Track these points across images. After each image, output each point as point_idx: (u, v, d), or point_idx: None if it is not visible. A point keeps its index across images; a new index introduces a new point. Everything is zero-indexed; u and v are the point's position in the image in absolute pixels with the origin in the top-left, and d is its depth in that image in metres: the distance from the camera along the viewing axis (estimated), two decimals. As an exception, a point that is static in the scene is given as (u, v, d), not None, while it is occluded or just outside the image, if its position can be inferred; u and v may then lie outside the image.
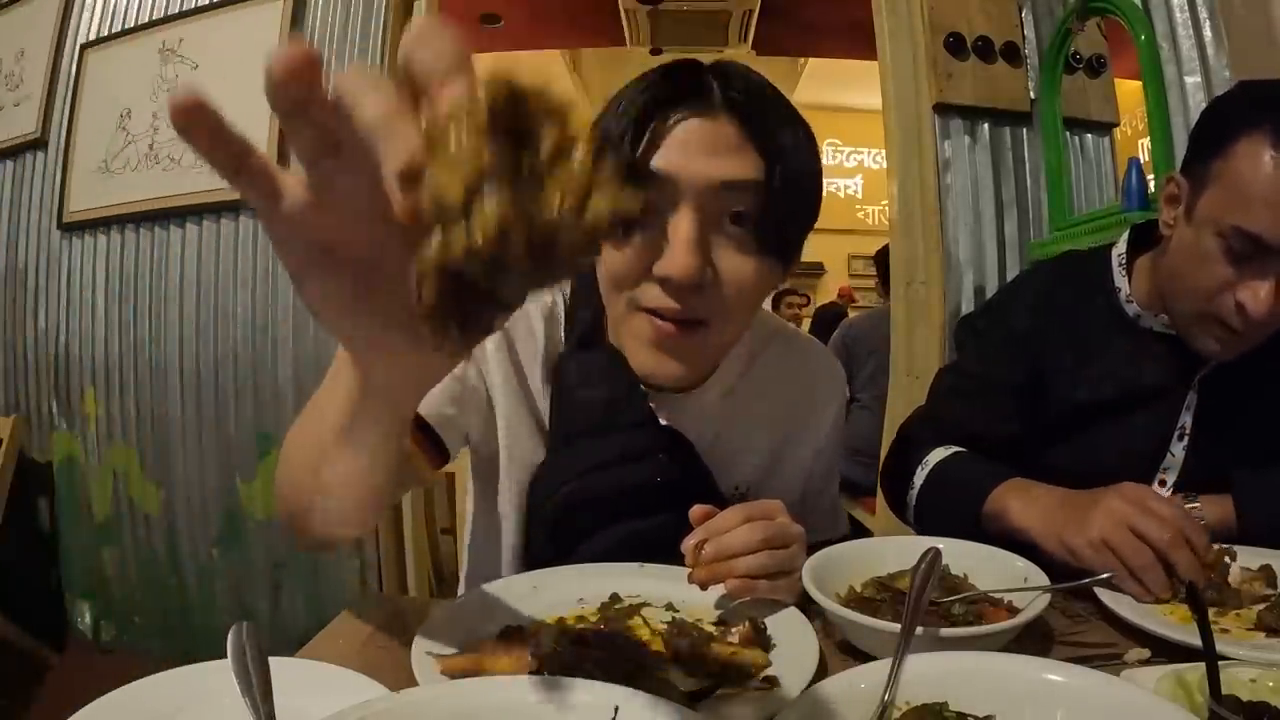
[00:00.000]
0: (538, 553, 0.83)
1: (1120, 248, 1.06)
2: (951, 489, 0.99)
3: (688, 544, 0.69)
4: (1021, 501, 0.88)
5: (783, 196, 0.72)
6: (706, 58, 0.77)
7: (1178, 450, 1.00)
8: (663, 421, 0.84)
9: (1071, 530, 0.78)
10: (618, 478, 0.82)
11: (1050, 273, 1.16)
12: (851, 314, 5.35)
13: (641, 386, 0.83)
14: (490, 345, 0.82)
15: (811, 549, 0.74)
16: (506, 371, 0.83)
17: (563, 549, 0.81)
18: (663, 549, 0.78)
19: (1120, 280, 1.03)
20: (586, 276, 0.84)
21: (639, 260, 0.72)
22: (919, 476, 1.03)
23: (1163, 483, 1.01)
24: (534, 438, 0.85)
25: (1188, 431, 1.00)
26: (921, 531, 1.02)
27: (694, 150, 0.70)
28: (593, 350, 0.83)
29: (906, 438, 1.12)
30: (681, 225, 0.70)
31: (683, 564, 0.70)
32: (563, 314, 0.86)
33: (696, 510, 0.71)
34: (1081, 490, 0.84)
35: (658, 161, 0.71)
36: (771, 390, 0.92)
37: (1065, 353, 1.04)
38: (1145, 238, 1.03)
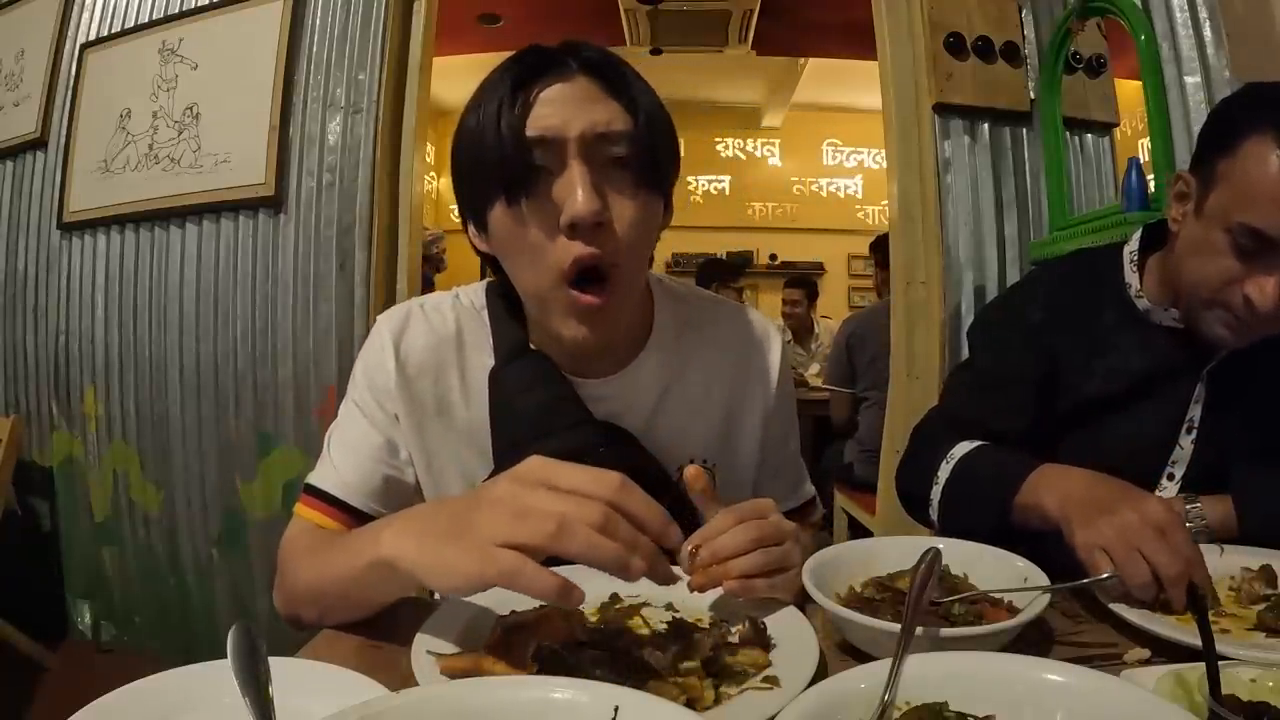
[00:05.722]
0: None
1: (1132, 245, 1.07)
2: (981, 479, 0.97)
3: (682, 551, 0.69)
4: (1052, 487, 0.86)
5: (650, 138, 0.78)
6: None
7: (1186, 443, 1.01)
8: (599, 417, 0.86)
9: (1079, 526, 0.76)
10: None
11: (1063, 269, 1.17)
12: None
13: (573, 383, 0.85)
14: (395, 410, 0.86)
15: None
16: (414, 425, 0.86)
17: None
18: None
19: (1131, 276, 1.05)
20: (500, 302, 0.89)
21: (548, 220, 0.75)
22: (943, 471, 1.01)
23: (1171, 476, 1.02)
24: (474, 459, 0.87)
25: (1196, 425, 1.01)
26: (943, 527, 1.01)
27: (566, 107, 0.75)
28: (522, 360, 0.86)
29: (924, 437, 1.12)
30: (575, 172, 0.74)
31: (672, 561, 0.69)
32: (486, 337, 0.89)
33: (691, 470, 0.71)
34: (1117, 482, 0.81)
35: (535, 126, 0.74)
36: (706, 360, 0.92)
37: (1077, 346, 1.05)
38: (1157, 237, 1.04)
